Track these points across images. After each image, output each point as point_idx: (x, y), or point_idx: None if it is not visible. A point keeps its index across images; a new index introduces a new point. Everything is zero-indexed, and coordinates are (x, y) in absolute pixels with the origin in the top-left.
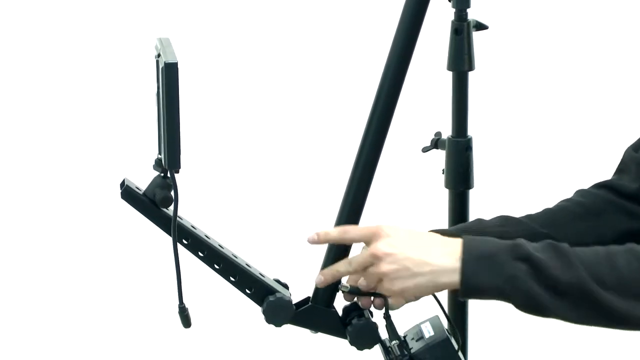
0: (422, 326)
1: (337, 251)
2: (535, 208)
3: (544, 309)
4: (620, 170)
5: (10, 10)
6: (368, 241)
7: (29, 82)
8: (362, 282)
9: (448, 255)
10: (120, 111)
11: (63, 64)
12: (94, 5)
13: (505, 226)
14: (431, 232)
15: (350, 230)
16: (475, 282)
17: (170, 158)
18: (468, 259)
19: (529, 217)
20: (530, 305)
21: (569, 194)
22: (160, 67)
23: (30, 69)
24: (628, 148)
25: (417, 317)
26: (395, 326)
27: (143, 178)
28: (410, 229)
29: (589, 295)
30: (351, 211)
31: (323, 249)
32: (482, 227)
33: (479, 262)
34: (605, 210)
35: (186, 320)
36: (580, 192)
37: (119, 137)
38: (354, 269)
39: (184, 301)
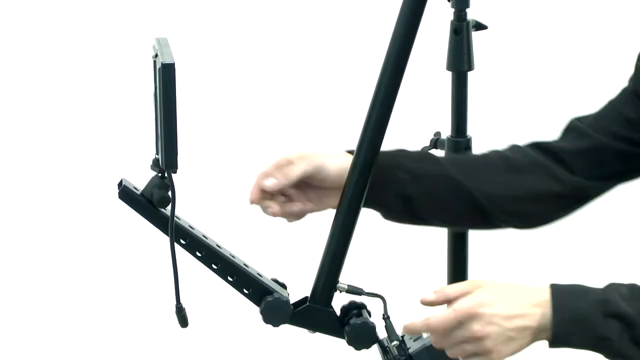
0: None
1: (336, 251)
2: None
3: None
4: (561, 136)
5: (10, 10)
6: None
7: (27, 82)
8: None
9: (542, 315)
10: (119, 111)
11: (61, 64)
12: (92, 4)
13: (421, 162)
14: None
15: (437, 324)
16: (565, 342)
17: (167, 158)
18: (559, 321)
19: (450, 160)
20: (620, 358)
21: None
22: (158, 67)
23: (29, 69)
24: (574, 118)
25: (417, 318)
26: (394, 327)
27: (143, 178)
28: (493, 290)
29: None
30: (349, 211)
31: (320, 249)
32: (400, 158)
33: (570, 325)
34: (529, 169)
35: (183, 320)
36: (511, 147)
37: (118, 137)
38: (443, 346)
39: (181, 301)
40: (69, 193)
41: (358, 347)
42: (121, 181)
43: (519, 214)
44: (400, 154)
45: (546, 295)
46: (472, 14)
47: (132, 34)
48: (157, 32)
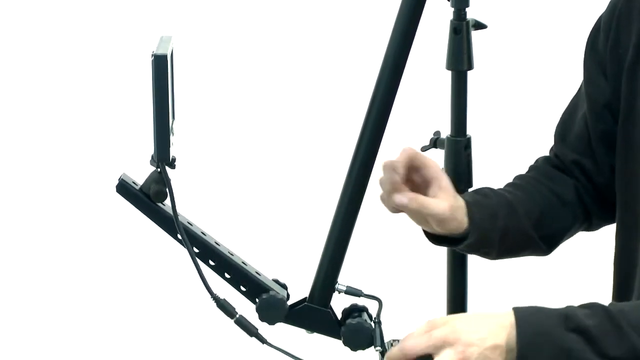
0: None
1: (334, 251)
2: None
3: None
4: (582, 153)
5: (14, 9)
6: (438, 351)
7: (39, 82)
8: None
9: (508, 335)
10: (136, 110)
11: (74, 64)
12: (100, 3)
13: (507, 217)
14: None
15: (412, 347)
16: (531, 356)
17: (159, 149)
18: (522, 335)
19: (527, 216)
20: None
21: None
22: (151, 59)
23: (37, 69)
24: (554, 154)
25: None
26: (387, 332)
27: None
28: (462, 320)
29: None
30: (348, 210)
31: (321, 249)
32: (485, 205)
33: (533, 338)
34: (572, 200)
35: (227, 311)
36: (554, 180)
37: (130, 135)
38: None
39: (214, 292)
40: (78, 191)
41: (354, 347)
42: (121, 176)
43: (556, 243)
44: (485, 198)
45: (510, 317)
46: (471, 13)
47: (143, 32)
48: (164, 30)
